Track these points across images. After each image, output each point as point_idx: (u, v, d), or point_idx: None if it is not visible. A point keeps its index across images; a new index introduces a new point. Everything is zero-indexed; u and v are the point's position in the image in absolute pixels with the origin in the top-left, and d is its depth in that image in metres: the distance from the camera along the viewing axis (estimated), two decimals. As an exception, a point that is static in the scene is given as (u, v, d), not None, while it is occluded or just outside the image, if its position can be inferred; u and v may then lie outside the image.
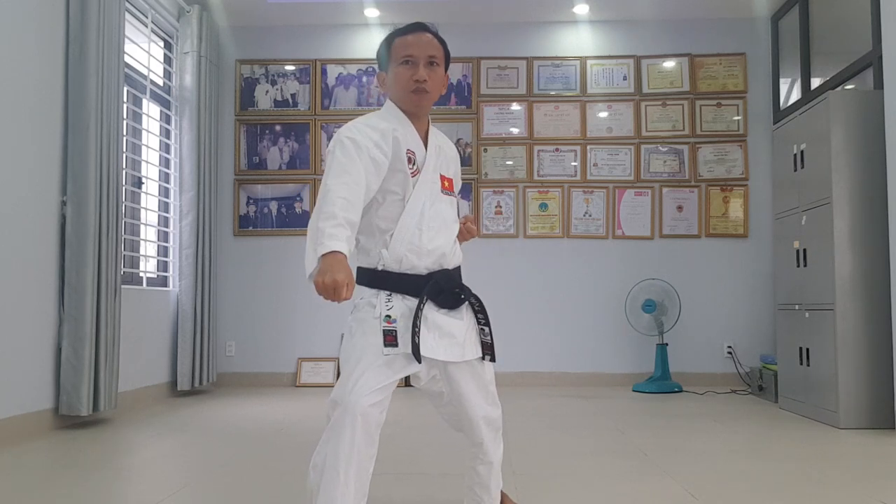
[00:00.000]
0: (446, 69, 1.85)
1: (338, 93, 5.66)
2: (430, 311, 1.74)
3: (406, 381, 2.05)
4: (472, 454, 1.92)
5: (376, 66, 2.04)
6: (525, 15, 5.52)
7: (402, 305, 1.71)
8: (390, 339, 1.65)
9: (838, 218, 3.69)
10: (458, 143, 5.51)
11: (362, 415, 1.57)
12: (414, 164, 1.77)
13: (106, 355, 3.76)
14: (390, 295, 1.72)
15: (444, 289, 1.76)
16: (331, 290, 1.47)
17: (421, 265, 1.74)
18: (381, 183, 1.71)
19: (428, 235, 1.75)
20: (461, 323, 1.78)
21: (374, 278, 1.75)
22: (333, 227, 1.53)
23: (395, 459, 2.85)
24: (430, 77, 1.77)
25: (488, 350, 1.83)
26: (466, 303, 1.82)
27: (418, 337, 1.66)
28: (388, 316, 1.68)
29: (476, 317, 1.84)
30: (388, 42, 1.82)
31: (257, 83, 5.67)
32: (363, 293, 1.77)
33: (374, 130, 1.72)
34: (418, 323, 1.67)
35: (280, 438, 3.40)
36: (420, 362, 1.66)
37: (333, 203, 1.56)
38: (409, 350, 1.65)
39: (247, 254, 5.57)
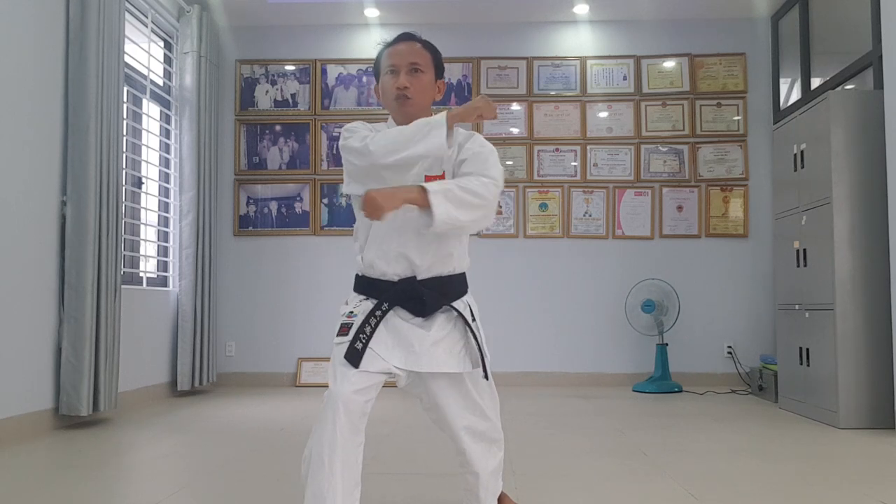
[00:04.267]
0: (439, 75, 1.88)
1: (338, 93, 5.66)
2: (396, 318, 1.75)
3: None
4: (458, 461, 1.93)
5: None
6: (525, 15, 5.52)
7: (368, 306, 1.76)
8: (344, 329, 1.71)
9: (838, 218, 3.69)
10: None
11: (344, 402, 1.61)
12: None
13: (106, 355, 3.76)
14: (366, 298, 1.78)
15: (411, 297, 1.75)
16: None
17: (390, 271, 1.76)
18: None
19: (398, 241, 1.76)
20: (425, 333, 1.74)
21: (356, 282, 1.84)
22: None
23: (395, 459, 2.85)
24: (412, 84, 1.80)
25: (477, 365, 1.80)
26: (451, 315, 1.79)
27: (360, 342, 1.68)
28: (352, 312, 1.75)
29: (469, 327, 1.80)
30: (379, 55, 1.88)
31: (257, 83, 5.67)
32: (349, 297, 1.84)
33: (365, 128, 1.82)
34: (366, 329, 1.69)
35: (280, 438, 3.39)
36: (356, 367, 1.65)
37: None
38: (358, 346, 1.68)
39: (247, 254, 5.57)
